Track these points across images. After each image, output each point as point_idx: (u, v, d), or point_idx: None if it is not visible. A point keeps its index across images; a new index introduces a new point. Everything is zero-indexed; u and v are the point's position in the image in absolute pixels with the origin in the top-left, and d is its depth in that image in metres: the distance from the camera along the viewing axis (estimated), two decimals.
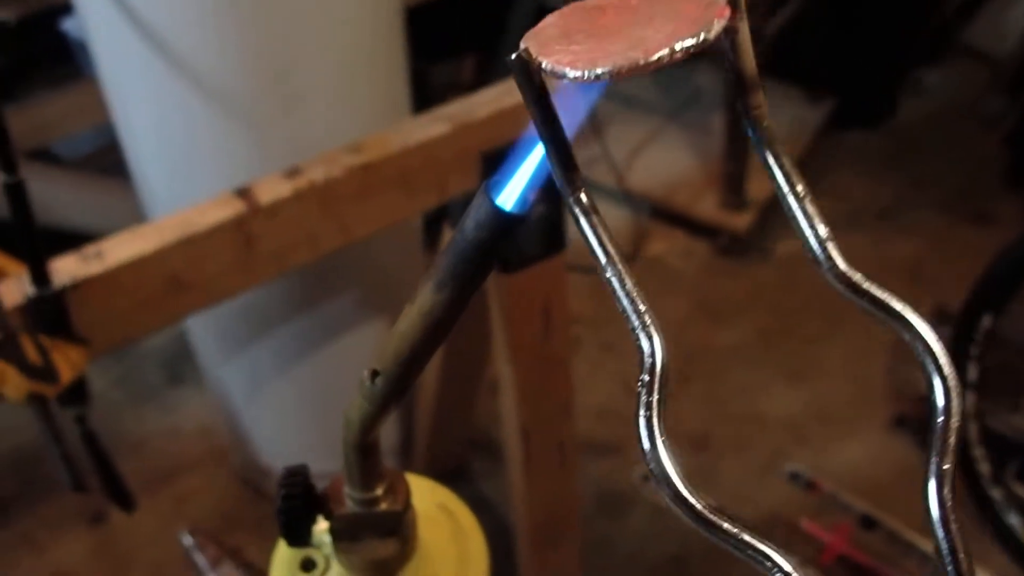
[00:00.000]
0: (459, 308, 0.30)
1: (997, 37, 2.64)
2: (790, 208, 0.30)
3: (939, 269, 2.14)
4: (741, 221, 2.19)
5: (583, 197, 0.28)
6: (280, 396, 1.48)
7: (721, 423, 1.85)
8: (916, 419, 1.80)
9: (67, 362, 0.80)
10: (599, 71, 0.26)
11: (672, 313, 2.06)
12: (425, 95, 2.20)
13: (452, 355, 1.46)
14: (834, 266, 0.30)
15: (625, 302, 0.27)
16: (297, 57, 1.10)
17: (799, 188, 0.30)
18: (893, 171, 2.45)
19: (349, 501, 0.41)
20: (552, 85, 0.28)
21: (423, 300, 0.30)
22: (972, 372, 1.59)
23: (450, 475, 1.73)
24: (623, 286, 0.27)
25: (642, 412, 0.26)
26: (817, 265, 0.30)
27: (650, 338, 0.27)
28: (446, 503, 0.43)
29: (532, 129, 0.28)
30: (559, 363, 1.32)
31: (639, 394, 0.27)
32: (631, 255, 2.22)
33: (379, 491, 0.41)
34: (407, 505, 0.41)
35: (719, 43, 0.28)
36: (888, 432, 1.81)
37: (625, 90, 2.61)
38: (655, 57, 0.26)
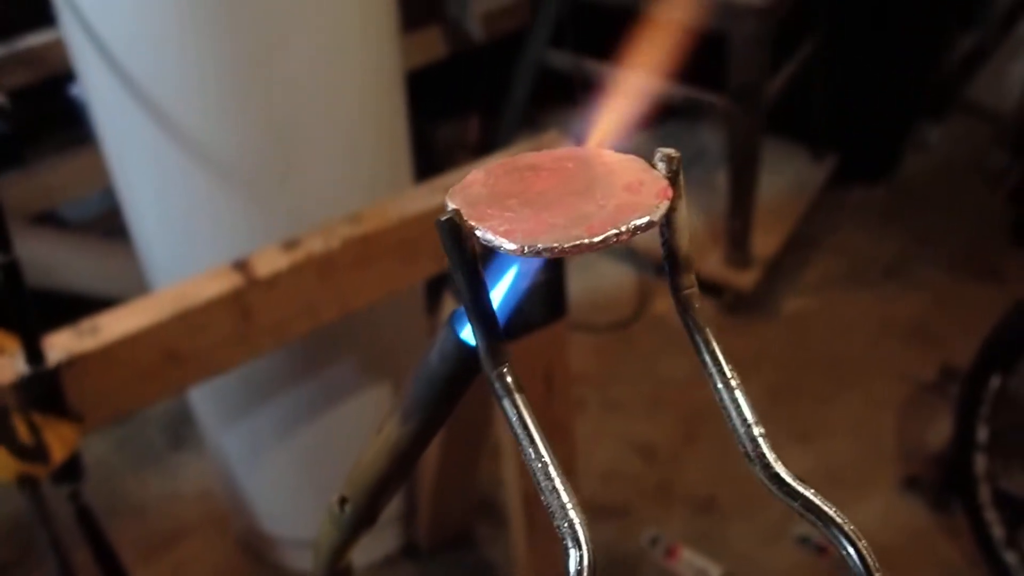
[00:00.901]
0: (427, 438, 0.30)
1: (999, 93, 2.66)
2: (720, 396, 0.29)
3: (946, 327, 2.12)
4: (746, 279, 2.18)
5: (507, 375, 0.26)
6: (280, 463, 1.46)
7: (728, 485, 1.82)
8: (927, 480, 1.77)
9: (59, 440, 0.79)
10: (540, 246, 0.25)
11: (677, 372, 2.05)
12: (430, 154, 2.22)
13: (454, 421, 1.44)
14: (765, 463, 0.28)
15: (550, 498, 0.25)
16: (297, 128, 1.11)
17: (729, 375, 0.29)
18: (897, 227, 2.44)
19: None
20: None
21: (389, 430, 0.29)
22: (982, 433, 1.57)
23: (455, 541, 1.70)
24: (547, 478, 0.25)
25: None
26: (747, 460, 0.28)
27: (578, 544, 0.24)
28: None
29: (498, 268, 0.27)
30: (561, 429, 1.30)
31: None
32: (635, 314, 2.21)
33: None
34: None
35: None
36: (898, 494, 1.78)
37: (630, 147, 2.62)
38: (601, 238, 0.25)
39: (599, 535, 1.76)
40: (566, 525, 0.24)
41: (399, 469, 0.30)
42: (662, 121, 2.68)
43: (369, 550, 1.67)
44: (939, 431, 1.81)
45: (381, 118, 1.21)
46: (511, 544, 1.36)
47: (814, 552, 1.68)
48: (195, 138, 1.08)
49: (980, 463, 1.59)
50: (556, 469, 0.25)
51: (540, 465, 0.25)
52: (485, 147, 2.52)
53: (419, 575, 1.68)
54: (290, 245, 0.95)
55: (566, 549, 0.25)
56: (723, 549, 1.70)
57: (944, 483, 1.74)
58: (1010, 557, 1.57)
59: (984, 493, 1.60)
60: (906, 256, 2.35)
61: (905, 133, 2.61)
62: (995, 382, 1.54)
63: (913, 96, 2.54)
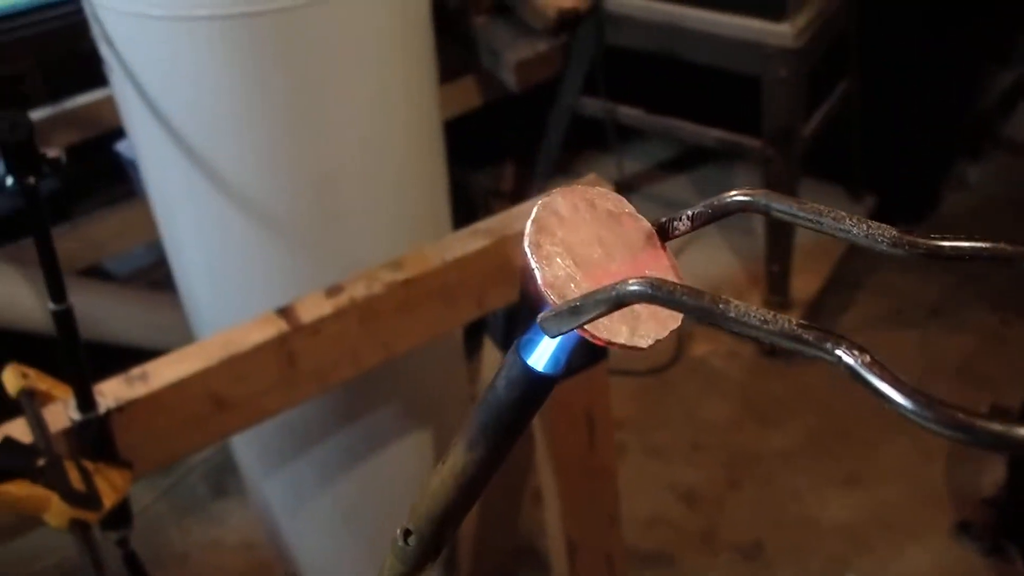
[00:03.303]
0: (493, 466, 0.30)
1: None
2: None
3: (993, 367, 2.08)
4: None
5: None
6: (322, 510, 1.46)
7: (774, 530, 1.79)
8: (981, 525, 1.72)
9: (110, 486, 0.80)
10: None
11: (718, 416, 2.03)
12: (467, 202, 2.24)
13: None
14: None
15: None
16: (343, 179, 1.12)
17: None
18: (940, 267, 2.41)
19: None
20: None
21: (455, 459, 0.29)
22: None
23: None
24: None
25: None
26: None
27: None
28: None
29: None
30: (605, 473, 1.29)
31: None
32: (674, 358, 2.19)
33: None
34: None
35: None
36: (951, 538, 1.74)
37: (664, 192, 2.63)
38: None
39: None
40: None
41: (465, 498, 0.31)
42: (697, 165, 2.68)
43: None
44: (991, 475, 1.76)
45: (422, 167, 1.23)
46: None
47: None
48: (243, 191, 1.10)
49: None
50: None
51: None
52: (520, 194, 2.54)
53: None
54: (333, 291, 0.96)
55: None
56: None
57: (999, 528, 1.70)
58: None
59: None
60: (950, 296, 2.32)
61: (944, 172, 2.59)
62: None
63: (950, 135, 2.53)
